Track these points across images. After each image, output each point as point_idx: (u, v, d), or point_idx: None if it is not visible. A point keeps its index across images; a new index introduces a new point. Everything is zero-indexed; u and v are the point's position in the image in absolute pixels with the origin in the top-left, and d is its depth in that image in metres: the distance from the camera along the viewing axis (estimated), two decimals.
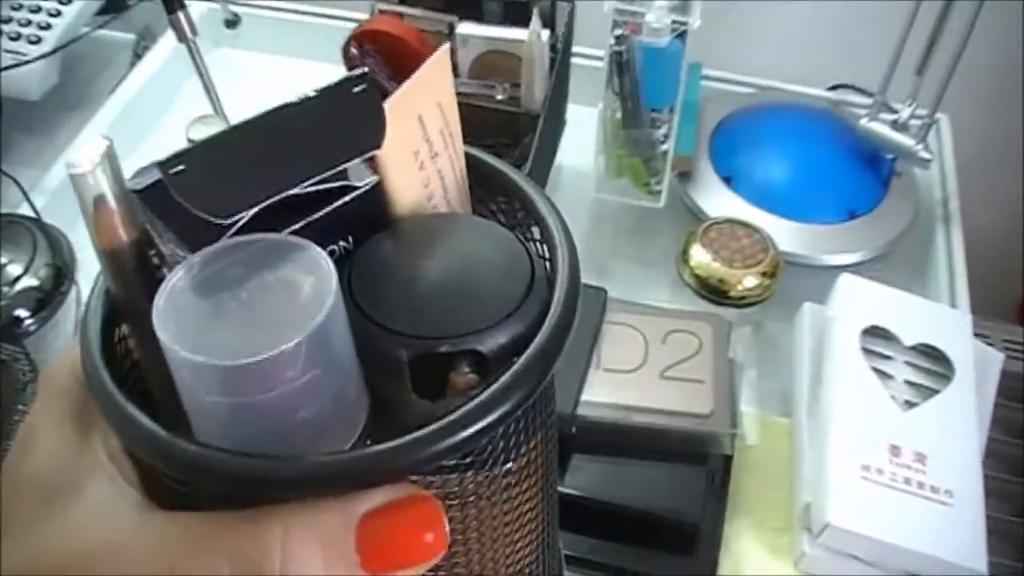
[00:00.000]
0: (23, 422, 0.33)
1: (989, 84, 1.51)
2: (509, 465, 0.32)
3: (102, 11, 1.24)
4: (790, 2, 1.45)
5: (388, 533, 0.28)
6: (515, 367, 0.29)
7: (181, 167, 0.28)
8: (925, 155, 1.06)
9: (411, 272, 0.33)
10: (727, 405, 0.84)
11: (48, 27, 1.17)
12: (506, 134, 1.02)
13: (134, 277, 0.31)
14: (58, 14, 1.19)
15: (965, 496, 0.79)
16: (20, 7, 1.18)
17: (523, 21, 0.97)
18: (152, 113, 1.21)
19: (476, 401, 0.28)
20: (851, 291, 0.92)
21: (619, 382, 0.85)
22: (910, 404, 0.85)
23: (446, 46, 0.35)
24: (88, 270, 0.97)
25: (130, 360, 0.33)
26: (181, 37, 0.93)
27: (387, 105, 0.32)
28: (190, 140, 0.84)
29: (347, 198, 0.33)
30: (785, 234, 1.03)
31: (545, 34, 0.98)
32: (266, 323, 0.28)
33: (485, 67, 1.01)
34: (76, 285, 0.98)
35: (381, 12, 1.01)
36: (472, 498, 0.32)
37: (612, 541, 0.82)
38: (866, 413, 0.83)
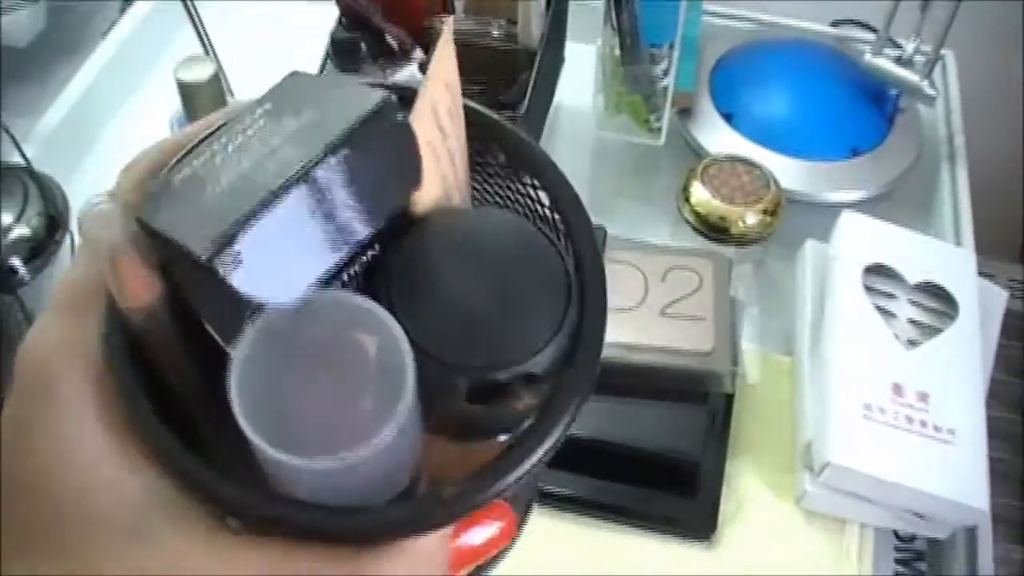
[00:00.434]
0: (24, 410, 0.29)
1: (994, 20, 1.49)
2: None
3: None
4: None
5: (470, 540, 0.30)
6: (568, 397, 0.30)
7: (237, 251, 0.26)
8: (930, 91, 1.05)
9: (452, 287, 0.32)
10: (728, 343, 0.83)
11: None
12: (503, 72, 1.00)
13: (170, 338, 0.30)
14: None
15: (967, 435, 0.78)
16: None
17: None
18: (145, 57, 1.19)
19: (541, 432, 0.30)
20: (854, 229, 0.91)
21: (619, 320, 0.84)
22: (913, 343, 0.84)
23: (450, 24, 0.34)
24: None
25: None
26: None
27: (412, 118, 0.31)
28: (179, 81, 0.84)
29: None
30: (787, 171, 1.01)
31: None
32: (348, 401, 0.28)
33: (481, 4, 0.99)
34: (69, 233, 0.97)
35: None
36: None
37: (613, 481, 0.81)
38: (868, 352, 0.82)
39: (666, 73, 1.02)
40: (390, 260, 0.32)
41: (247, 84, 1.01)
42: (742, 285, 0.90)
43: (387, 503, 0.29)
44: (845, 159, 1.06)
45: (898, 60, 1.06)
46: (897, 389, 0.80)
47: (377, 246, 0.32)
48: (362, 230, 0.29)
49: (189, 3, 0.93)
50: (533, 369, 0.31)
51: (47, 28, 1.18)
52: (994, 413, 0.81)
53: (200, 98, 0.86)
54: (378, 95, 0.29)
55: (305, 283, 0.28)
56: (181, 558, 0.27)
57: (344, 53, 0.99)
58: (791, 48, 1.17)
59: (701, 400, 0.83)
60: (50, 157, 1.02)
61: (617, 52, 1.00)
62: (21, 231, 0.94)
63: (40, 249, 0.95)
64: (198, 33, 0.95)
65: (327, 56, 0.99)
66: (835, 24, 1.22)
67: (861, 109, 1.10)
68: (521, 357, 0.30)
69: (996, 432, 0.80)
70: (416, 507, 0.29)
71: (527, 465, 0.29)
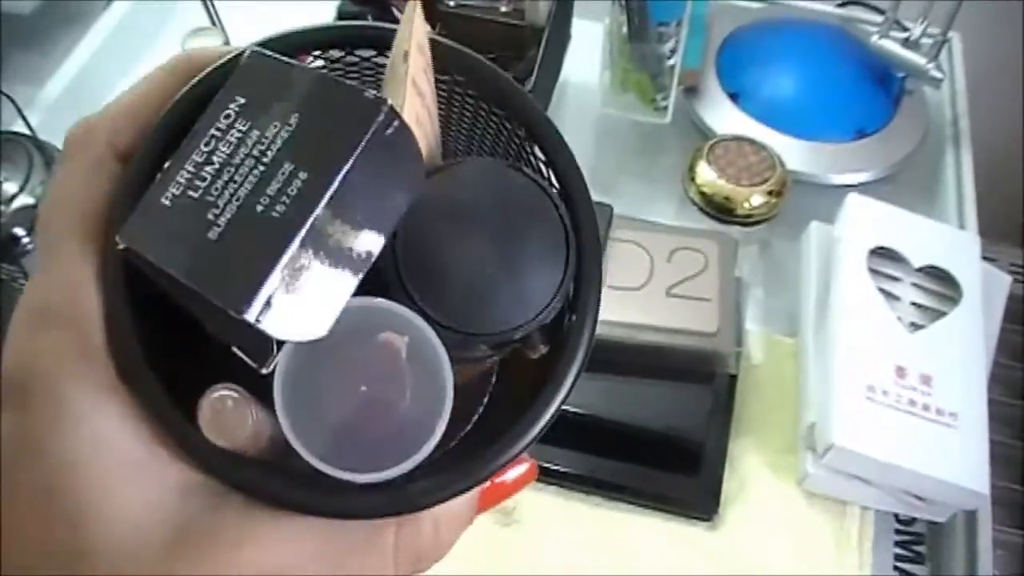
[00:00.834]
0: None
1: (1002, 3, 1.48)
2: None
3: None
4: None
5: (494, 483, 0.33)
6: (577, 345, 0.32)
7: (267, 297, 0.26)
8: (937, 74, 1.05)
9: (456, 254, 0.32)
10: (732, 324, 0.83)
11: None
12: (510, 47, 1.00)
13: None
14: None
15: (970, 419, 0.79)
16: None
17: None
18: (149, 26, 1.18)
19: (556, 386, 0.31)
20: (859, 211, 0.91)
21: (624, 299, 0.84)
22: (916, 326, 0.84)
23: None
24: None
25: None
26: None
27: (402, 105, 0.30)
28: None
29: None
30: (793, 152, 1.01)
31: None
32: (390, 405, 0.29)
33: None
34: None
35: None
36: None
37: (616, 459, 0.82)
38: (872, 334, 0.83)
39: (673, 52, 1.01)
40: (390, 240, 0.32)
41: None
42: (747, 266, 0.90)
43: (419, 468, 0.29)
44: (851, 140, 1.06)
45: (905, 42, 1.06)
46: (900, 372, 0.80)
47: None
48: (377, 243, 0.28)
49: None
50: (545, 320, 0.31)
51: None
52: (996, 397, 0.81)
53: None
54: (373, 100, 0.27)
55: (334, 310, 0.27)
56: (262, 547, 0.27)
57: None
58: (798, 28, 1.17)
59: (705, 380, 0.84)
60: (53, 125, 1.01)
61: (624, 30, 1.00)
62: (25, 200, 0.94)
63: None
64: (205, 4, 0.94)
65: None
66: (842, 5, 1.22)
67: (867, 91, 1.10)
68: (534, 312, 0.31)
69: (998, 416, 0.81)
70: (447, 477, 0.29)
71: (548, 417, 0.30)
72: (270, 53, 0.30)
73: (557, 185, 0.34)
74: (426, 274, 0.31)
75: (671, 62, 1.02)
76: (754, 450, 0.84)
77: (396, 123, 0.27)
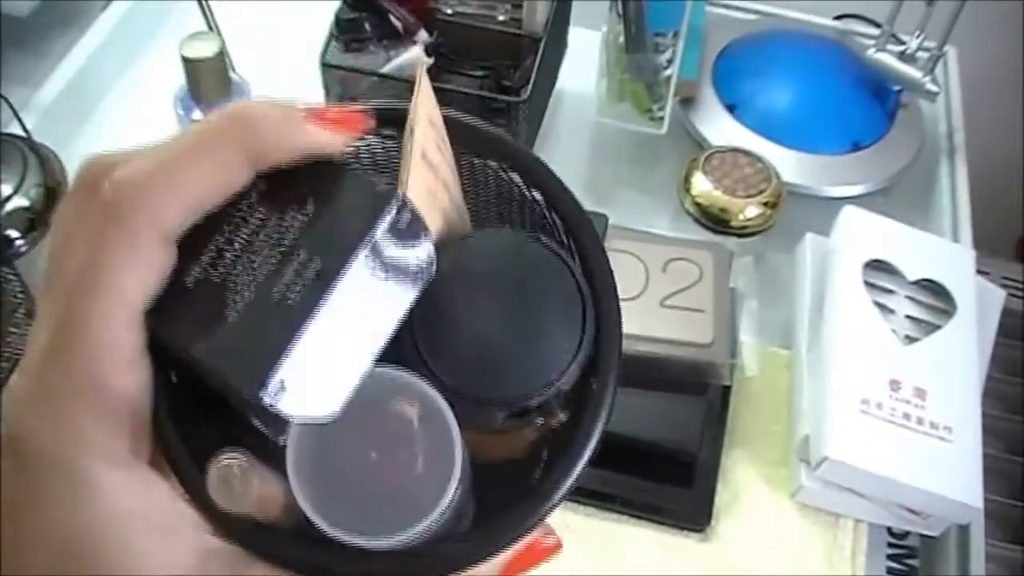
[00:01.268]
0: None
1: (997, 18, 1.49)
2: None
3: None
4: None
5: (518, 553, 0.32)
6: (595, 416, 0.31)
7: (280, 381, 0.27)
8: (932, 88, 1.05)
9: (471, 321, 0.32)
10: (727, 335, 0.83)
11: None
12: (507, 56, 1.00)
13: None
14: None
15: (963, 432, 0.79)
16: None
17: None
18: (146, 29, 1.18)
19: (576, 456, 0.31)
20: (854, 223, 0.91)
21: None
22: (911, 339, 0.84)
23: (422, 63, 0.33)
24: None
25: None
26: None
27: (409, 176, 0.31)
28: (184, 57, 0.83)
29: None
30: (788, 164, 1.01)
31: None
32: (401, 471, 0.29)
33: None
34: None
35: None
36: None
37: (609, 470, 0.82)
38: (867, 347, 0.83)
39: (670, 62, 1.01)
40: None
41: (251, 62, 1.01)
42: (742, 277, 0.90)
43: (445, 537, 0.30)
44: (846, 153, 1.07)
45: (901, 55, 1.06)
46: (894, 385, 0.80)
47: None
48: (389, 326, 0.29)
49: None
50: (563, 387, 0.31)
51: None
52: (990, 411, 0.81)
53: (204, 74, 0.86)
54: (385, 192, 0.29)
55: (346, 391, 0.28)
56: None
57: (348, 33, 0.99)
58: (795, 41, 1.17)
59: (699, 392, 0.84)
60: (49, 128, 1.01)
61: (621, 39, 1.00)
62: (19, 202, 0.93)
63: (38, 220, 0.94)
64: (202, 9, 0.94)
65: (331, 36, 0.98)
66: (839, 18, 1.22)
67: (863, 104, 1.10)
68: (550, 379, 0.31)
69: (992, 430, 0.81)
70: (472, 543, 0.30)
71: (569, 483, 0.31)
72: None
73: (575, 251, 0.34)
74: (440, 341, 0.32)
75: (667, 72, 1.02)
76: (748, 462, 0.84)
77: (408, 214, 0.29)
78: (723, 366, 0.83)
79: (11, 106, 0.98)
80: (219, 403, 0.30)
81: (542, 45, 0.96)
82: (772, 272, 0.98)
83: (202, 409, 0.30)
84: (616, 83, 1.05)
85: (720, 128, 1.07)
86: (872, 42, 1.08)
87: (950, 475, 0.77)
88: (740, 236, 0.96)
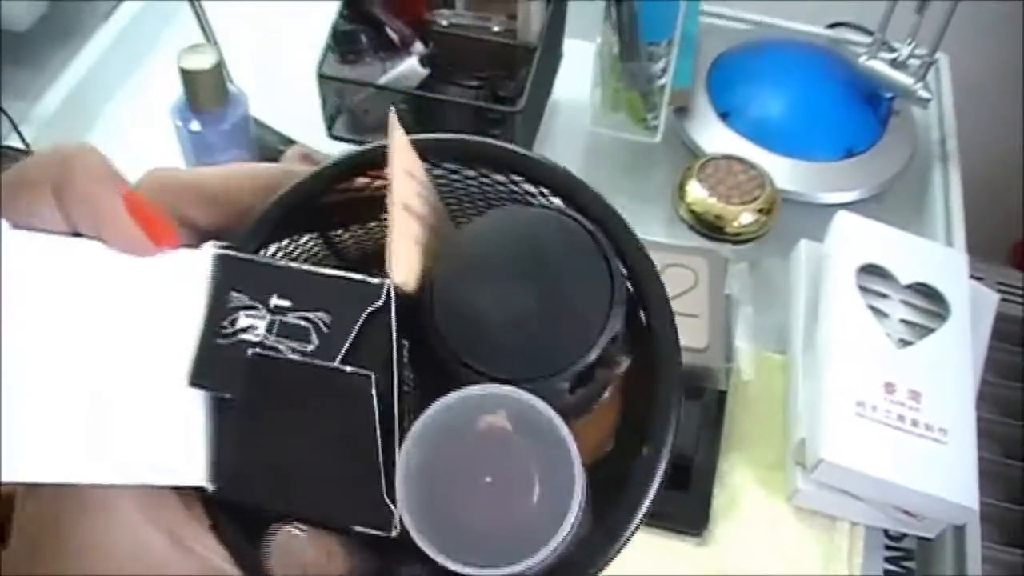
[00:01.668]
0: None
1: (988, 24, 1.49)
2: None
3: None
4: None
5: None
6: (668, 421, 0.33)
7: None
8: (924, 94, 1.06)
9: (501, 306, 0.31)
10: (722, 340, 0.84)
11: None
12: (502, 67, 1.01)
13: None
14: None
15: (958, 434, 0.79)
16: None
17: None
18: (144, 43, 1.19)
19: (654, 472, 0.32)
20: (848, 229, 0.91)
21: None
22: (905, 342, 0.85)
23: (393, 115, 0.33)
24: None
25: None
26: None
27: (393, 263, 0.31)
28: (182, 69, 0.84)
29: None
30: (782, 171, 1.02)
31: None
32: (517, 494, 0.28)
33: None
34: None
35: None
36: None
37: None
38: (861, 350, 0.83)
39: (664, 71, 1.02)
40: (435, 320, 0.31)
41: (248, 73, 1.01)
42: (737, 283, 0.90)
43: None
44: (840, 160, 1.07)
45: (893, 63, 1.07)
46: (889, 387, 0.81)
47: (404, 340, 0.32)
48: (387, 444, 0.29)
49: None
50: (614, 332, 0.30)
51: (47, 13, 1.18)
52: (985, 415, 0.82)
53: (202, 86, 0.87)
54: (376, 287, 0.30)
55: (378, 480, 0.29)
56: None
57: (345, 45, 1.00)
58: (788, 49, 1.18)
59: (695, 396, 0.84)
60: (48, 140, 1.02)
61: (616, 49, 1.01)
62: None
63: None
64: (199, 21, 0.95)
65: (327, 48, 0.99)
66: (831, 26, 1.23)
67: (856, 111, 1.11)
68: (600, 326, 0.30)
69: (986, 433, 0.81)
70: (585, 555, 0.30)
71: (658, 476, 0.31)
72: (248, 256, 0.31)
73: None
74: (478, 342, 0.30)
75: (661, 81, 1.03)
76: (744, 465, 0.85)
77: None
78: (719, 371, 0.83)
79: (10, 119, 0.99)
80: None
81: (537, 55, 0.97)
82: (767, 277, 0.98)
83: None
84: (611, 92, 1.05)
85: (714, 136, 1.08)
86: (864, 50, 1.09)
87: (945, 476, 0.77)
88: (735, 242, 0.96)
